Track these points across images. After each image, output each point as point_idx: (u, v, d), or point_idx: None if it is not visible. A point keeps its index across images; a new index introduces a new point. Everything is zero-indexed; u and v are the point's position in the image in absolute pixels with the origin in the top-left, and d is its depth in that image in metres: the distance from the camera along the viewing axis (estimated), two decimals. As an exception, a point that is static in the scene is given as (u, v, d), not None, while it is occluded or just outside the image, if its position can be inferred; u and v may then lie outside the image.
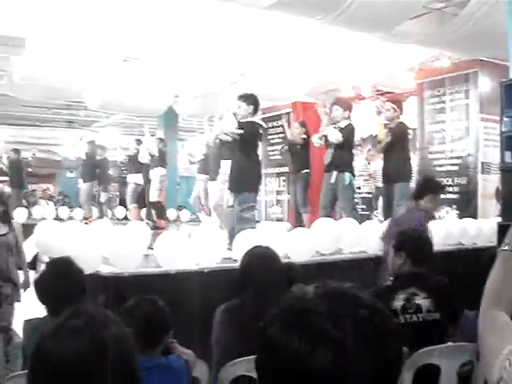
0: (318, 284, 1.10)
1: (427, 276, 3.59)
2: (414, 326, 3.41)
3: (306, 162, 9.56)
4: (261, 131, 7.30)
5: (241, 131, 6.70)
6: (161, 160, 11.80)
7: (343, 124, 7.94)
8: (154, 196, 11.52)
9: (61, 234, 5.18)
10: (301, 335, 1.00)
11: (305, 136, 9.65)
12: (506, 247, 1.82)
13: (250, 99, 7.06)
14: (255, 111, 7.13)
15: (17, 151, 15.46)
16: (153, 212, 11.85)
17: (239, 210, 6.68)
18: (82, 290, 3.17)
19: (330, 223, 6.20)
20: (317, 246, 5.77)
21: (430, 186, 5.67)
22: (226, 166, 8.16)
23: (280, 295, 2.71)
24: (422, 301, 3.46)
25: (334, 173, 7.81)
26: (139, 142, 13.26)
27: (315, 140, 8.33)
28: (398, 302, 3.44)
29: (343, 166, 7.81)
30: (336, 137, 7.80)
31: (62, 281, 3.12)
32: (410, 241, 3.73)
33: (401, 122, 8.19)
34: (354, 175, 8.00)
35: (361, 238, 6.15)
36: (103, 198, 14.17)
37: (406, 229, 4.01)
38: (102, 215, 13.40)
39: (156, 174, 11.65)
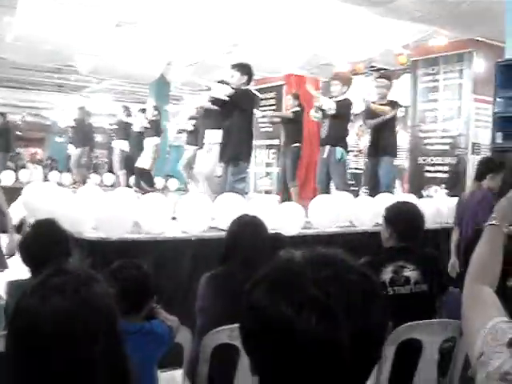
0: (305, 249, 1.09)
1: (415, 248, 3.60)
2: (402, 297, 3.43)
3: (297, 136, 9.51)
4: (255, 100, 7.28)
5: (232, 91, 6.69)
6: (155, 129, 11.75)
7: (340, 98, 7.91)
8: (146, 164, 11.50)
9: (48, 196, 5.14)
10: (287, 298, 0.99)
11: (298, 108, 9.60)
12: (494, 221, 1.82)
13: (244, 69, 7.02)
14: (249, 81, 7.10)
15: (3, 115, 15.31)
16: (141, 180, 11.82)
17: (232, 181, 6.67)
18: (66, 252, 3.14)
19: (327, 199, 6.20)
20: (311, 221, 5.78)
21: (490, 166, 5.70)
22: (210, 135, 8.16)
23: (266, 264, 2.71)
24: (410, 273, 3.47)
25: (327, 147, 7.81)
26: (127, 108, 13.16)
27: (312, 114, 8.30)
28: (387, 275, 3.45)
29: (335, 141, 7.80)
30: (329, 105, 7.76)
31: (45, 242, 3.09)
32: (397, 215, 3.73)
33: (392, 100, 8.16)
34: (347, 150, 7.98)
35: (353, 212, 6.14)
36: (85, 162, 14.09)
37: (396, 202, 4.01)
38: (83, 180, 13.32)
39: (150, 143, 11.61)
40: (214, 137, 8.01)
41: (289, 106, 9.78)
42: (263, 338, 1.01)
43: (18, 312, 1.31)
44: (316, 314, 0.97)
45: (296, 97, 9.74)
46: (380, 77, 8.66)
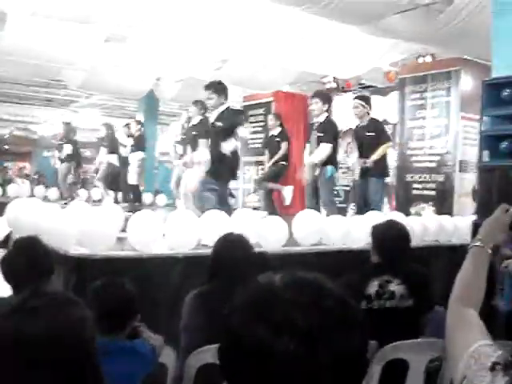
0: (284, 273, 1.08)
1: (402, 264, 3.61)
2: (386, 311, 3.44)
3: (282, 155, 9.50)
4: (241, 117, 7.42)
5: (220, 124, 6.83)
6: (139, 144, 11.71)
7: (322, 118, 7.92)
8: (132, 179, 11.43)
9: (33, 212, 5.09)
10: (265, 321, 0.97)
11: (280, 128, 9.62)
12: (478, 243, 1.82)
13: (219, 88, 7.11)
14: (226, 98, 7.16)
15: None
16: (129, 196, 11.75)
17: (201, 190, 6.80)
18: (48, 270, 3.09)
19: (311, 214, 6.17)
20: (294, 236, 5.73)
21: None
22: (197, 152, 8.22)
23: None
24: (396, 287, 3.49)
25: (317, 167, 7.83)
26: (108, 126, 13.11)
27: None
28: (373, 288, 3.48)
29: (325, 160, 7.81)
30: (320, 158, 7.83)
31: (26, 260, 3.03)
32: (382, 233, 3.76)
33: (374, 119, 8.25)
34: (336, 168, 8.00)
35: (346, 232, 6.09)
36: (72, 178, 13.95)
37: (383, 221, 4.03)
38: (71, 196, 13.20)
39: (135, 157, 11.56)
40: (200, 154, 8.04)
41: (271, 126, 9.78)
42: (241, 361, 0.99)
43: None
44: (295, 337, 0.95)
45: (277, 117, 9.77)
46: (355, 98, 8.68)
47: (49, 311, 1.29)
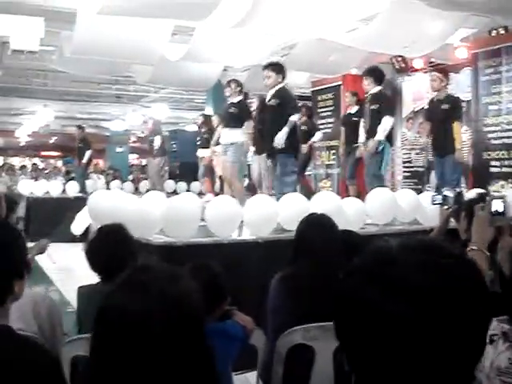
0: (401, 238, 1.04)
1: None
2: None
3: (357, 135, 9.42)
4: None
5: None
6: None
7: (374, 90, 8.07)
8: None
9: (114, 203, 5.18)
10: (384, 286, 0.93)
11: (357, 107, 9.51)
12: (474, 247, 2.04)
13: (277, 67, 7.81)
14: (283, 78, 7.78)
15: (81, 127, 15.70)
16: None
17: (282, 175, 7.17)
18: (133, 254, 3.10)
19: (385, 193, 6.10)
20: (369, 216, 5.69)
21: None
22: (227, 135, 8.41)
23: (337, 262, 2.64)
24: None
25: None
26: (207, 117, 13.38)
27: None
28: None
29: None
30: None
31: (113, 244, 3.05)
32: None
33: (451, 95, 8.17)
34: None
35: (417, 209, 6.01)
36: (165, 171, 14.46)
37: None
38: (163, 189, 13.51)
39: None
40: (230, 137, 8.08)
41: (347, 103, 9.71)
42: (360, 329, 0.96)
43: (103, 313, 1.28)
44: (416, 301, 0.91)
45: (354, 94, 9.66)
46: (433, 70, 8.65)
47: (159, 285, 1.28)
